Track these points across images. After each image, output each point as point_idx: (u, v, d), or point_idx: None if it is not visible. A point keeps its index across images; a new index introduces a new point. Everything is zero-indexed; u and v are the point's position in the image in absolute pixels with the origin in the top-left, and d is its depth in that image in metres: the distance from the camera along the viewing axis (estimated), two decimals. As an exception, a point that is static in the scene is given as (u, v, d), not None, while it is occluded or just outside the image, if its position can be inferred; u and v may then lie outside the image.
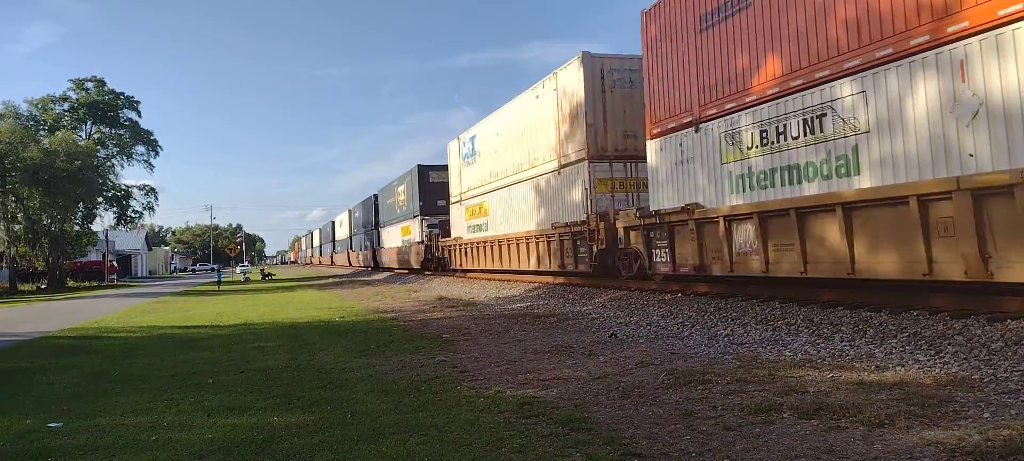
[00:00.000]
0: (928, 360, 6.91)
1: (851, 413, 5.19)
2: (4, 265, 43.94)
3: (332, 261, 79.45)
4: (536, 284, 19.79)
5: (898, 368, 6.74)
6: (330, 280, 41.21)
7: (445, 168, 31.97)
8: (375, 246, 48.28)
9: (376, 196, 48.68)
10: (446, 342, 10.56)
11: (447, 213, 31.28)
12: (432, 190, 34.33)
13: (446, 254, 30.16)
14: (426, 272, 34.39)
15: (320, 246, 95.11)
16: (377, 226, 47.94)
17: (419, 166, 35.17)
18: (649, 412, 5.75)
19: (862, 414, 5.13)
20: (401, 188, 39.35)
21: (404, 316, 15.31)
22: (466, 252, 26.85)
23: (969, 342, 7.17)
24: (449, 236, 30.07)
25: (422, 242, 33.53)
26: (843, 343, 8.07)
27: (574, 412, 5.83)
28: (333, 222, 79.17)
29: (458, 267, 28.45)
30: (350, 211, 62.13)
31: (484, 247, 24.40)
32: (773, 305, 10.77)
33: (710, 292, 12.93)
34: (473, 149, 26.40)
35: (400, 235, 39.53)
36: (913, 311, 8.71)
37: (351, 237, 61.81)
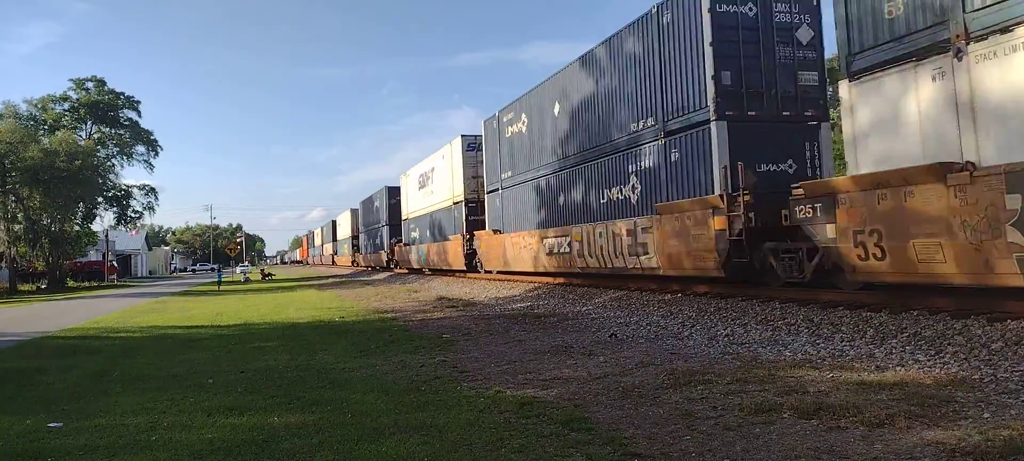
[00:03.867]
0: (928, 360, 6.92)
1: (851, 413, 5.19)
2: (4, 265, 43.92)
3: (390, 259, 42.27)
4: (536, 284, 19.79)
5: (898, 368, 6.75)
6: (330, 280, 41.20)
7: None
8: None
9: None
10: (446, 342, 10.56)
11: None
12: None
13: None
14: (425, 272, 34.07)
15: (352, 238, 60.31)
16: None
17: None
18: (649, 412, 5.76)
19: (862, 414, 5.13)
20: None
21: (404, 316, 15.31)
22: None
23: (969, 342, 7.17)
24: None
25: None
26: (843, 343, 8.07)
27: (574, 412, 5.83)
28: (372, 197, 47.59)
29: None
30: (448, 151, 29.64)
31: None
32: (773, 305, 10.77)
33: (710, 292, 12.94)
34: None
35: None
36: (913, 311, 8.71)
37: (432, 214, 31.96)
